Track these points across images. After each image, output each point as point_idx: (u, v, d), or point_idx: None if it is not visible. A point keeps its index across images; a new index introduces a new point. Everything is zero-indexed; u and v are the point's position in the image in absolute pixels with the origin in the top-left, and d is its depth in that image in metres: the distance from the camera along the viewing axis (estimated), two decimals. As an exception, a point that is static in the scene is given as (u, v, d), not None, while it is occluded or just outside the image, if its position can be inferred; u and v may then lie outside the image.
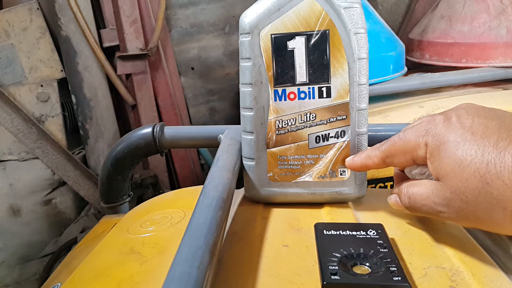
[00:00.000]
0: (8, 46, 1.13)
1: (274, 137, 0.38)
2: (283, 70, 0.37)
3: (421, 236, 0.35)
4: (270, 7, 0.36)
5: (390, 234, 0.33)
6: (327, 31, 0.36)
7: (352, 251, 0.30)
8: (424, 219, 0.37)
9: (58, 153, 1.18)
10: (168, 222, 0.39)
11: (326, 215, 0.39)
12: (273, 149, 0.39)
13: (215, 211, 0.30)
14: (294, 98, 0.37)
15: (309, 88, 0.37)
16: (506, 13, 1.07)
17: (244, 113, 0.39)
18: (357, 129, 0.38)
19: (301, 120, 0.38)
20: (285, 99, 0.37)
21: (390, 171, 0.83)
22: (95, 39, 1.18)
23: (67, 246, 1.15)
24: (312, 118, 0.38)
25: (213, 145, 0.49)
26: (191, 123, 1.49)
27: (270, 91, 0.37)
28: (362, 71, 0.37)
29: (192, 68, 1.46)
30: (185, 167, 1.42)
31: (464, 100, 0.99)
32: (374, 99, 0.99)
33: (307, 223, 0.37)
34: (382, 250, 0.30)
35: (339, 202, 0.40)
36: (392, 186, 0.82)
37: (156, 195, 1.09)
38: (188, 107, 1.49)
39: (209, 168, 0.39)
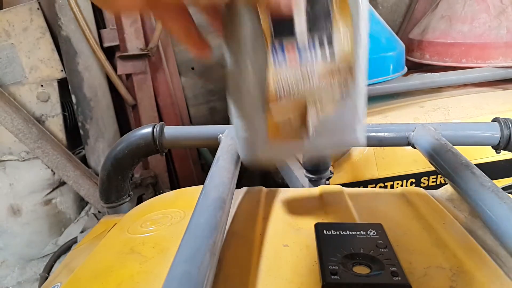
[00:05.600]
0: (9, 46, 1.14)
1: (274, 100, 0.33)
2: (279, 21, 0.31)
3: (421, 236, 0.35)
4: None
5: (390, 234, 0.33)
6: None
7: (352, 251, 0.30)
8: (424, 219, 0.37)
9: (58, 153, 1.18)
10: (168, 222, 0.39)
11: (326, 215, 0.39)
12: (273, 111, 0.34)
13: (215, 211, 0.30)
14: (295, 59, 0.32)
15: (310, 46, 0.32)
16: (506, 13, 1.07)
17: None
18: (358, 88, 0.35)
19: (303, 83, 0.33)
20: (284, 60, 0.32)
21: (390, 171, 0.83)
22: (95, 39, 1.18)
23: (67, 246, 1.15)
24: (315, 81, 0.33)
25: (213, 145, 0.49)
26: (191, 123, 1.49)
27: (264, 46, 0.31)
28: (365, 30, 0.35)
29: (192, 68, 1.46)
30: (185, 167, 1.42)
31: (464, 100, 0.99)
32: (374, 99, 0.99)
33: (307, 223, 0.37)
34: (382, 250, 0.30)
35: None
36: (392, 186, 0.82)
37: (156, 195, 1.09)
38: (188, 107, 1.49)
39: (209, 168, 0.39)
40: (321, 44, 0.32)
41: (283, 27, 0.31)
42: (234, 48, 0.31)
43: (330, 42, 0.32)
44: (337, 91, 0.35)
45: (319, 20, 0.32)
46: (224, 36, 0.32)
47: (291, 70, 0.32)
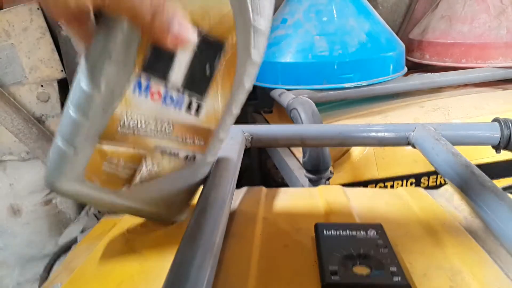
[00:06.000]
0: (9, 46, 1.14)
1: (113, 134, 0.29)
2: (158, 61, 0.28)
3: (421, 236, 0.35)
4: None
5: (389, 234, 0.33)
6: (224, 44, 0.29)
7: (352, 251, 0.30)
8: (424, 219, 0.37)
9: (58, 153, 1.18)
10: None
11: (326, 215, 0.39)
12: (105, 147, 0.30)
13: (215, 211, 0.30)
14: (158, 100, 0.29)
15: (179, 96, 0.29)
16: (506, 13, 1.07)
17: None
18: (208, 159, 0.34)
19: (155, 127, 0.30)
20: (146, 97, 0.29)
21: (390, 171, 0.83)
22: (95, 39, 1.18)
23: (67, 246, 1.15)
24: (169, 130, 0.31)
25: (213, 145, 0.49)
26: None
27: (129, 76, 0.28)
28: (239, 101, 0.32)
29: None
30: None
31: (464, 100, 0.99)
32: (374, 99, 0.99)
33: (307, 223, 0.37)
34: (382, 250, 0.30)
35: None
36: (392, 187, 0.82)
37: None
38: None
39: (209, 168, 0.39)
40: (191, 99, 0.30)
41: (159, 62, 0.28)
42: (95, 62, 0.27)
43: (200, 103, 0.30)
44: (185, 152, 0.32)
45: (199, 76, 0.30)
46: (87, 44, 0.28)
47: (148, 109, 0.29)
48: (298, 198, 0.43)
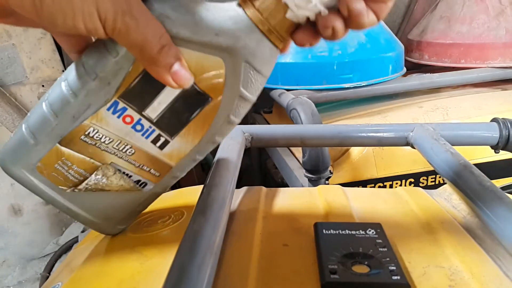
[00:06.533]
0: (10, 46, 1.14)
1: (75, 139, 0.30)
2: (143, 90, 0.29)
3: (420, 235, 0.35)
4: None
5: (389, 233, 0.33)
6: (209, 99, 0.29)
7: (352, 250, 0.30)
8: (423, 218, 0.38)
9: (58, 153, 1.18)
10: (168, 222, 0.40)
11: (326, 214, 0.39)
12: (64, 148, 0.31)
13: (215, 211, 0.30)
14: (129, 124, 0.30)
15: (150, 127, 0.30)
16: (505, 13, 1.07)
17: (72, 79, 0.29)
18: (157, 189, 0.34)
19: (117, 146, 0.31)
20: (118, 117, 0.29)
21: (389, 171, 0.83)
22: (95, 40, 1.18)
23: (68, 246, 1.15)
24: (129, 153, 0.31)
25: (213, 145, 0.49)
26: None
27: (110, 96, 0.28)
28: (206, 152, 0.33)
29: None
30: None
31: (462, 100, 0.99)
32: (373, 99, 0.99)
33: (307, 223, 0.37)
34: (381, 249, 0.30)
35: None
36: (391, 186, 0.82)
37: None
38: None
39: (209, 168, 0.39)
40: (160, 134, 0.31)
41: (142, 95, 0.29)
42: (82, 72, 0.28)
43: (168, 140, 0.31)
44: (138, 177, 0.33)
45: (175, 120, 0.30)
46: (80, 54, 0.29)
47: (116, 129, 0.30)
48: (297, 198, 0.44)
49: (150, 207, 0.46)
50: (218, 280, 0.29)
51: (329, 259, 0.29)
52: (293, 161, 0.87)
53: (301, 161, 0.80)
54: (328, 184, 0.74)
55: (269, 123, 1.09)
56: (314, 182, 0.74)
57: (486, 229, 0.35)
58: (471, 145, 0.49)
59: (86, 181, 0.32)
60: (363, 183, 0.79)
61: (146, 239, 0.37)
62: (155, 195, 0.35)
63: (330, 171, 0.75)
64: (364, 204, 0.41)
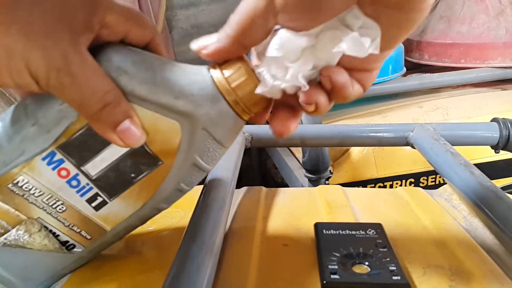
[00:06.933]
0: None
1: (1, 187, 0.27)
2: (85, 144, 0.26)
3: (420, 235, 0.35)
4: None
5: (389, 234, 0.33)
6: (159, 163, 0.27)
7: (352, 250, 0.30)
8: (423, 219, 0.38)
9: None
10: (168, 222, 0.40)
11: (326, 214, 0.39)
12: None
13: (215, 211, 0.30)
14: (64, 178, 0.27)
15: (88, 185, 0.27)
16: (505, 13, 1.07)
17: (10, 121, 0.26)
18: (85, 254, 0.31)
19: (47, 201, 0.27)
20: (53, 169, 0.26)
21: (389, 171, 0.83)
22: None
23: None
24: (60, 210, 0.28)
25: (213, 145, 0.49)
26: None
27: (47, 145, 0.26)
28: (147, 219, 0.31)
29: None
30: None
31: (462, 100, 0.99)
32: (373, 99, 0.99)
33: (307, 223, 0.37)
34: (382, 249, 0.30)
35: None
36: (391, 186, 0.82)
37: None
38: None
39: (209, 168, 0.39)
40: (98, 193, 0.28)
41: (83, 149, 0.26)
42: (21, 116, 0.26)
43: (105, 200, 0.28)
44: (66, 237, 0.29)
45: (116, 181, 0.27)
46: (24, 97, 0.26)
47: (48, 181, 0.27)
48: (297, 198, 0.44)
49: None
50: (218, 280, 0.29)
51: (329, 259, 0.29)
52: (293, 161, 0.87)
53: (301, 161, 0.80)
54: (328, 184, 0.74)
55: (269, 123, 1.09)
56: (314, 182, 0.74)
57: (486, 229, 0.35)
58: (471, 145, 0.49)
59: (5, 235, 0.28)
60: (363, 183, 0.79)
61: (145, 239, 0.37)
62: (82, 260, 0.31)
63: (330, 171, 0.75)
64: (364, 204, 0.41)
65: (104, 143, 0.26)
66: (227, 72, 0.25)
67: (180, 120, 0.25)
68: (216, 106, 0.25)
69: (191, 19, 1.42)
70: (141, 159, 0.27)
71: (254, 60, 0.26)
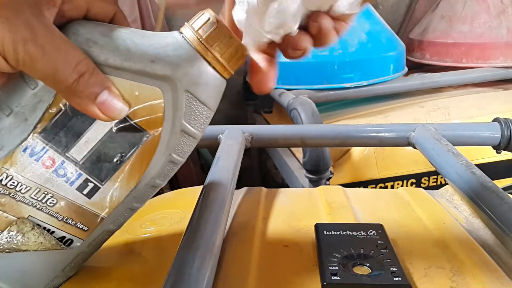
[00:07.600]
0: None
1: None
2: (66, 127, 0.24)
3: (421, 236, 0.35)
4: None
5: (390, 234, 0.33)
6: (146, 134, 0.26)
7: (352, 251, 0.30)
8: (424, 219, 0.37)
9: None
10: (168, 222, 0.40)
11: (326, 215, 0.39)
12: None
13: (215, 211, 0.30)
14: (50, 168, 0.25)
15: (76, 171, 0.26)
16: (506, 13, 1.07)
17: None
18: (85, 248, 0.29)
19: (36, 196, 0.26)
20: (37, 160, 0.25)
21: (390, 172, 0.82)
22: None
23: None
24: (50, 204, 0.26)
25: (213, 145, 0.49)
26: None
27: (27, 134, 0.24)
28: (145, 199, 0.29)
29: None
30: (184, 167, 1.42)
31: (464, 100, 0.99)
32: (374, 99, 0.99)
33: (307, 223, 0.37)
34: (382, 250, 0.30)
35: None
36: (392, 187, 0.82)
37: (156, 195, 1.09)
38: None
39: (209, 168, 0.39)
40: (88, 179, 0.26)
41: (65, 132, 0.25)
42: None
43: (97, 185, 0.26)
44: (62, 233, 0.27)
45: (104, 162, 0.26)
46: None
47: (34, 174, 0.25)
48: (298, 199, 0.43)
49: (150, 208, 0.46)
50: (218, 281, 0.29)
51: (330, 260, 0.29)
52: (293, 162, 0.87)
53: (301, 162, 0.79)
54: (328, 184, 0.74)
55: (269, 123, 1.09)
56: (314, 183, 0.74)
57: (488, 230, 0.35)
58: (472, 145, 0.49)
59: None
60: (364, 184, 0.79)
61: (145, 240, 0.37)
62: (84, 256, 0.29)
63: (330, 171, 0.74)
64: (365, 205, 0.41)
65: (85, 123, 0.25)
66: (197, 26, 0.25)
67: (160, 85, 0.25)
68: (195, 64, 0.25)
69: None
70: (127, 135, 0.25)
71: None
